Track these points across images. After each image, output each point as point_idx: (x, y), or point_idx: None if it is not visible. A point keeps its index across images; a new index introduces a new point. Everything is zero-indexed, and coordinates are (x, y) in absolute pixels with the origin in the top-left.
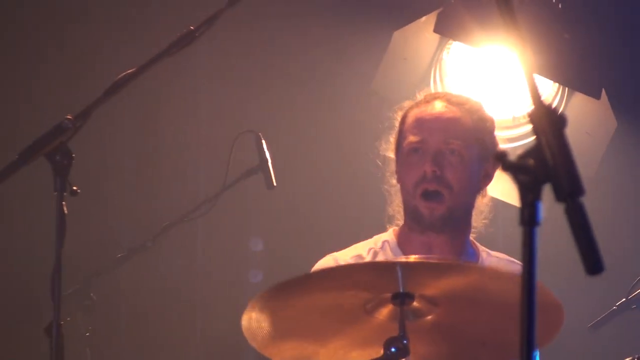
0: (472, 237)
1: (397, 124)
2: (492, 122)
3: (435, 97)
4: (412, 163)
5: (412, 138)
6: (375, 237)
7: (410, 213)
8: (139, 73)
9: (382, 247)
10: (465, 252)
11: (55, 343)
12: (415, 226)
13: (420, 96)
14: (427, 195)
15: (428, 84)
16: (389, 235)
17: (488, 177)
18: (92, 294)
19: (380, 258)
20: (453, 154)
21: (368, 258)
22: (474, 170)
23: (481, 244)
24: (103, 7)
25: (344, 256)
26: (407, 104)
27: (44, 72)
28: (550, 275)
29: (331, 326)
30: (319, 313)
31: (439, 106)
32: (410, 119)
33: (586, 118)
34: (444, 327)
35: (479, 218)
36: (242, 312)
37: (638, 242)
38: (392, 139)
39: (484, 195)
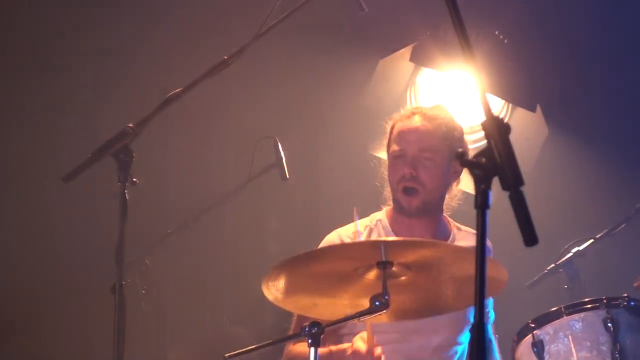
0: (447, 215)
1: (387, 131)
2: (460, 130)
3: (414, 112)
4: (395, 166)
5: (395, 147)
6: (372, 215)
7: (395, 203)
8: (184, 92)
9: (375, 225)
10: (439, 230)
11: (118, 299)
12: (400, 212)
13: (403, 111)
14: (406, 191)
15: (405, 100)
16: (382, 214)
17: (457, 173)
18: (147, 261)
19: (374, 234)
20: (426, 159)
21: (364, 233)
22: (443, 170)
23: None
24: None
25: (345, 231)
26: (395, 116)
27: (108, 89)
28: (499, 246)
29: (330, 285)
30: (321, 276)
31: (416, 121)
32: (395, 130)
33: (525, 126)
34: (416, 285)
35: (454, 200)
36: (263, 277)
37: (565, 222)
38: (385, 143)
39: (457, 184)
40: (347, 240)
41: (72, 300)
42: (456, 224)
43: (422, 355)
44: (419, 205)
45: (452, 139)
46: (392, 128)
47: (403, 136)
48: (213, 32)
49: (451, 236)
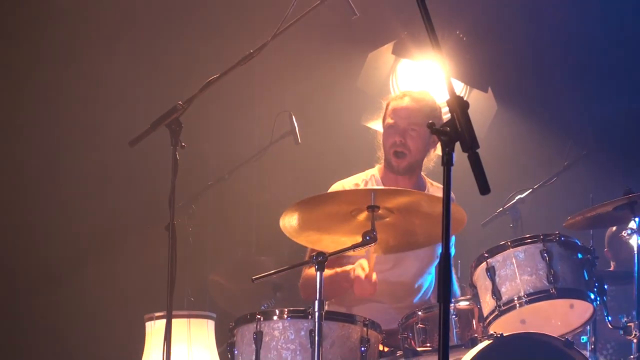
0: (423, 173)
1: (383, 108)
2: (439, 109)
3: (405, 94)
4: (389, 134)
5: (389, 120)
6: (367, 171)
7: (387, 163)
8: (220, 77)
9: (370, 179)
10: (418, 184)
11: (171, 235)
12: (390, 170)
13: (396, 92)
14: (396, 154)
15: (388, 83)
16: (375, 171)
17: (434, 142)
18: (193, 206)
19: (369, 186)
20: (413, 130)
21: (362, 184)
22: (425, 139)
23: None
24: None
25: (347, 182)
26: (389, 96)
27: (163, 74)
28: (461, 195)
29: (331, 224)
30: (325, 216)
31: (406, 101)
32: (389, 107)
33: (479, 103)
34: (398, 225)
35: (430, 162)
36: (281, 215)
37: (510, 176)
38: (380, 116)
39: (434, 151)
40: (348, 188)
41: (136, 236)
42: (430, 180)
43: (403, 280)
44: (405, 166)
45: (433, 116)
46: (387, 105)
47: (396, 112)
48: (241, 29)
49: (426, 189)
